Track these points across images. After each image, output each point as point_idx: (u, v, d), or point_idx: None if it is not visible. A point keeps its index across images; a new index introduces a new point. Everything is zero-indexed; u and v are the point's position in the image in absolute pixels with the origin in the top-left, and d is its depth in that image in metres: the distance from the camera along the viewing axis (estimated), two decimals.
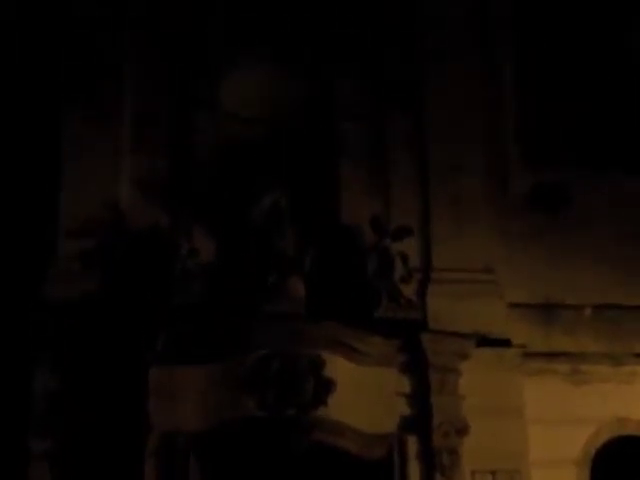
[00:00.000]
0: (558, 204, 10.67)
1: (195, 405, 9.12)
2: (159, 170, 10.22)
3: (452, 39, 10.76)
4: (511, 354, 9.78)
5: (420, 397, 9.45)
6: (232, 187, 10.18)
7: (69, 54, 10.53)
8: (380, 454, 9.42)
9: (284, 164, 10.14)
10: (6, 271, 10.09)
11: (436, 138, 10.53)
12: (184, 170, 10.24)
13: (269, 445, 9.05)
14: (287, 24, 10.79)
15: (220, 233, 9.98)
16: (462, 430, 9.35)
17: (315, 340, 9.23)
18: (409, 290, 9.84)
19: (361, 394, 9.33)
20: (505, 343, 9.80)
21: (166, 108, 10.45)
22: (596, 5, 11.63)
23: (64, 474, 9.16)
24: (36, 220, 10.23)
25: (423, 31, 10.83)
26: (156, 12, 10.71)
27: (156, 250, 9.58)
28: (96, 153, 10.14)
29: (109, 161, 10.17)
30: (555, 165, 10.91)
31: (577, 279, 10.39)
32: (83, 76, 10.40)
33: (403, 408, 9.45)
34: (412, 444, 9.40)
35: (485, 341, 9.65)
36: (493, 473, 9.51)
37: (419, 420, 9.41)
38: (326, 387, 9.16)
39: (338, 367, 9.27)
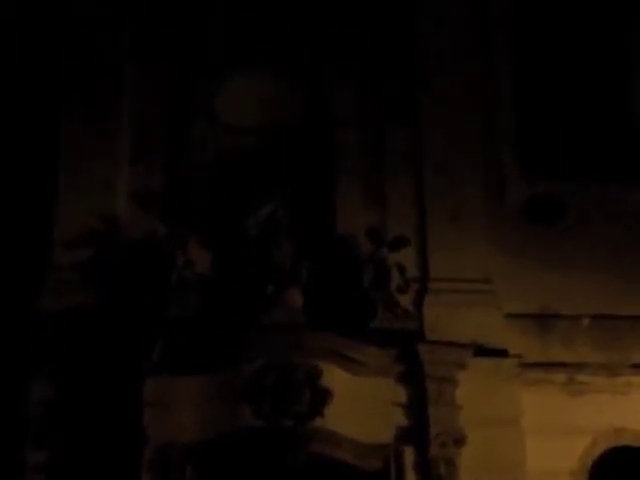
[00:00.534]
0: (555, 215, 10.69)
1: (191, 416, 9.10)
2: (156, 181, 10.24)
3: (451, 53, 10.81)
4: (508, 364, 9.77)
5: (417, 407, 9.43)
6: (229, 198, 10.18)
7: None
8: (377, 465, 9.39)
9: (281, 175, 10.15)
10: (2, 282, 10.07)
11: (433, 150, 10.55)
12: (181, 181, 10.26)
13: (266, 456, 9.02)
14: (286, 35, 10.82)
15: (217, 244, 9.97)
16: (459, 440, 9.33)
17: (312, 350, 9.22)
18: (406, 300, 9.85)
19: (358, 404, 9.31)
20: (502, 353, 9.79)
21: (164, 119, 10.49)
22: (595, 14, 11.65)
23: None
24: (32, 231, 10.22)
25: (422, 45, 10.87)
26: (155, 25, 10.73)
27: (152, 261, 9.58)
28: (93, 164, 10.16)
29: (106, 172, 10.18)
30: (551, 176, 10.92)
31: (574, 289, 10.39)
32: (82, 84, 10.45)
33: (400, 418, 9.43)
34: (409, 454, 9.36)
35: (482, 351, 9.64)
36: None
37: (416, 430, 9.39)
38: (323, 397, 9.14)
39: (335, 377, 9.26)
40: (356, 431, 9.24)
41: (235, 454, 9.14)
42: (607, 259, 10.55)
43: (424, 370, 9.43)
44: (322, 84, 10.77)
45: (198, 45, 10.68)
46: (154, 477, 9.00)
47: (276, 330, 9.23)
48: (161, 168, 10.33)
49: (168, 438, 9.06)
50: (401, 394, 9.47)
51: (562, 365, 10.14)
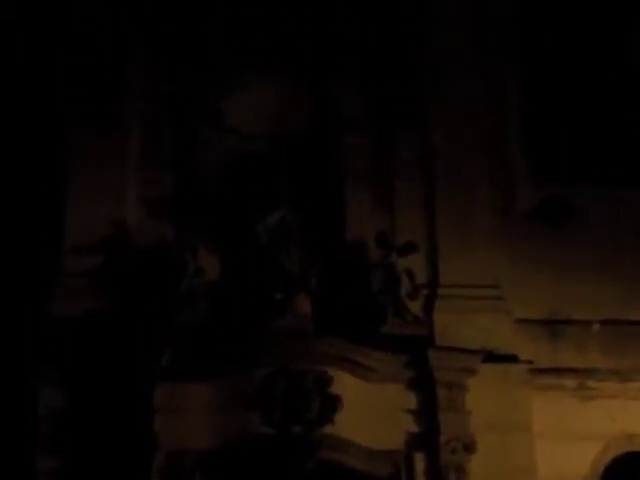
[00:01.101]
0: (565, 220, 10.65)
1: (201, 423, 9.09)
2: (165, 187, 10.24)
3: (457, 57, 10.78)
4: (518, 370, 9.74)
5: (427, 413, 9.41)
6: (238, 204, 10.17)
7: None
8: (387, 471, 9.38)
9: (290, 181, 10.14)
10: (12, 288, 10.09)
11: (442, 155, 10.52)
12: (190, 187, 10.25)
13: (276, 463, 9.00)
14: (294, 39, 10.81)
15: (226, 250, 9.97)
16: (469, 446, 9.31)
17: (321, 357, 9.20)
18: (415, 306, 9.83)
19: (368, 411, 9.30)
20: (512, 359, 9.76)
21: (172, 125, 10.49)
22: (598, 14, 11.62)
23: None
24: (42, 237, 10.22)
25: (429, 50, 10.83)
26: (159, 37, 10.73)
27: (162, 267, 9.57)
28: (102, 170, 10.15)
29: (115, 178, 10.17)
30: (562, 181, 10.89)
31: (584, 294, 10.35)
32: (88, 91, 10.47)
33: (410, 425, 9.42)
34: (419, 461, 9.35)
35: (492, 357, 9.62)
36: None
37: (426, 437, 9.37)
38: (333, 404, 9.12)
39: (345, 384, 9.24)
40: (366, 438, 9.23)
41: (245, 461, 9.12)
42: (618, 264, 10.51)
43: (434, 376, 9.42)
44: (331, 89, 10.77)
45: (205, 51, 10.67)
46: None
47: (285, 337, 9.20)
48: (170, 174, 10.32)
49: (178, 444, 9.05)
50: (411, 400, 9.46)
51: (573, 370, 10.11)
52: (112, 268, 9.80)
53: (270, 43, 10.75)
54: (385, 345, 9.45)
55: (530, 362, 9.80)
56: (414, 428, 9.41)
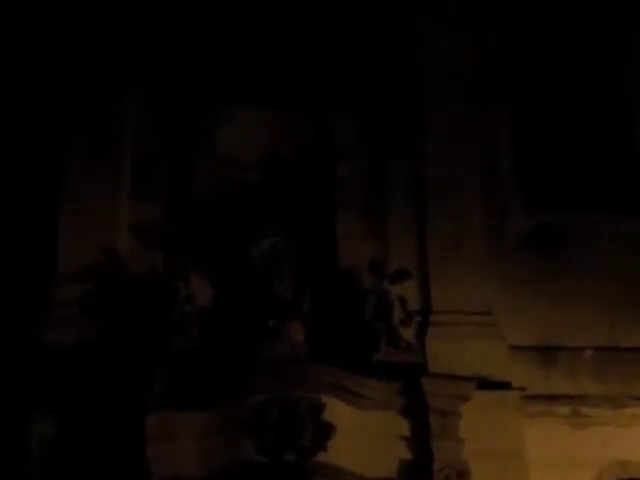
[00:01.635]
0: (557, 246, 10.68)
1: (194, 450, 9.02)
2: (157, 215, 10.24)
3: (451, 87, 10.85)
4: (511, 397, 9.71)
5: (420, 441, 9.36)
6: (230, 232, 10.17)
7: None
8: None
9: (283, 207, 10.16)
10: (3, 316, 10.03)
11: (434, 182, 10.57)
12: (182, 214, 10.26)
13: None
14: (284, 69, 10.87)
15: (218, 277, 9.96)
16: (463, 474, 9.25)
17: (314, 384, 9.16)
18: (408, 333, 9.81)
19: (361, 438, 9.24)
20: (505, 386, 9.74)
21: (165, 153, 10.51)
22: (594, 42, 11.72)
23: None
24: (33, 265, 10.19)
25: (423, 79, 10.91)
26: (155, 63, 10.78)
27: (154, 295, 9.55)
28: (94, 198, 10.16)
29: (107, 206, 10.18)
30: (554, 207, 10.93)
31: (577, 321, 10.36)
32: (82, 115, 10.48)
33: (403, 452, 9.35)
34: None
35: (485, 384, 9.61)
36: None
37: (420, 464, 9.30)
38: (326, 432, 9.08)
39: (338, 411, 9.20)
40: (359, 465, 9.16)
41: None
42: (610, 290, 10.52)
43: (427, 403, 9.38)
44: (323, 117, 10.80)
45: (196, 91, 10.71)
46: None
47: (278, 364, 9.18)
48: (162, 201, 10.33)
49: (171, 472, 8.97)
50: (404, 427, 9.40)
51: (566, 397, 10.09)
52: (104, 296, 9.77)
53: (262, 72, 10.81)
54: (378, 372, 9.43)
55: (523, 389, 9.78)
56: (407, 455, 9.34)
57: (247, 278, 9.74)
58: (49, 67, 10.87)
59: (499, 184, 10.96)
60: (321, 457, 9.05)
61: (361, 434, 9.25)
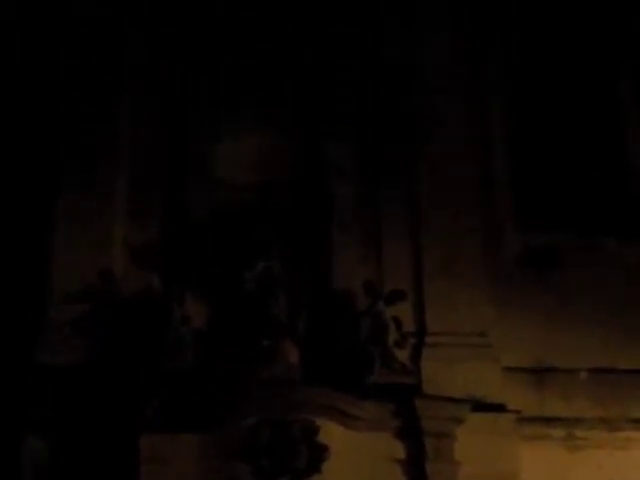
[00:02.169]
0: (551, 267, 10.67)
1: (188, 473, 8.97)
2: (152, 236, 10.23)
3: (444, 110, 10.85)
4: (506, 419, 9.66)
5: (415, 463, 9.32)
6: (225, 252, 10.17)
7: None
8: None
9: (278, 228, 10.16)
10: None
11: (429, 203, 10.56)
12: (177, 236, 10.26)
13: None
14: (279, 89, 10.89)
15: (213, 298, 9.94)
16: None
17: (309, 406, 9.13)
18: (403, 354, 9.80)
19: (355, 460, 9.21)
20: (500, 408, 9.71)
21: (160, 174, 10.51)
22: (591, 64, 11.74)
23: None
24: (28, 285, 10.17)
25: (419, 101, 10.91)
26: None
27: (148, 316, 9.53)
28: (89, 219, 10.15)
29: (102, 227, 10.17)
30: (548, 229, 10.92)
31: (571, 342, 10.33)
32: (79, 137, 10.46)
33: (398, 474, 9.31)
34: None
35: (480, 406, 9.58)
36: None
37: None
38: (320, 454, 9.04)
39: (332, 433, 9.17)
40: None
41: None
42: (605, 312, 10.49)
43: (421, 425, 9.35)
44: (319, 138, 10.81)
45: (190, 112, 10.73)
46: None
47: (272, 386, 9.16)
48: (157, 223, 10.32)
49: None
50: (399, 450, 9.38)
51: (560, 420, 10.04)
52: (98, 317, 9.75)
53: (257, 92, 10.83)
54: (372, 394, 9.40)
55: (518, 411, 9.74)
56: (402, 478, 9.29)
57: (242, 300, 9.72)
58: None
59: (494, 205, 10.94)
60: (316, 479, 9.02)
61: (356, 456, 9.22)
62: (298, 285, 9.85)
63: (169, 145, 10.64)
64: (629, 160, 11.51)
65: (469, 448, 9.36)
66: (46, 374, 9.33)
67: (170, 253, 10.14)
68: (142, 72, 10.83)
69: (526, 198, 11.13)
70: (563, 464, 9.92)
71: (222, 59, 11.02)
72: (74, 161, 10.46)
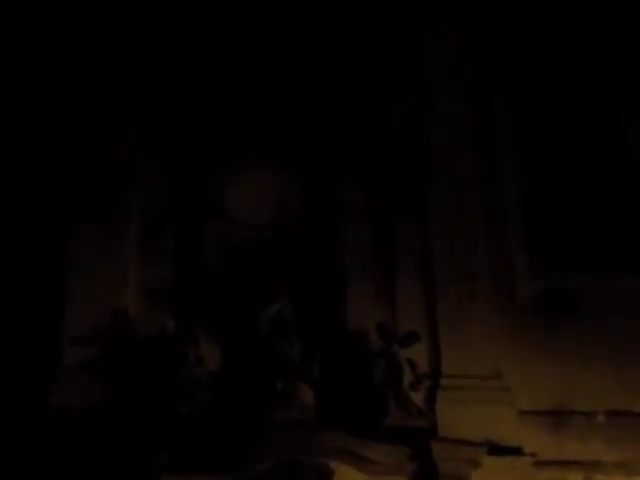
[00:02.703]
0: (568, 308, 10.60)
1: None
2: (165, 277, 10.23)
3: (456, 151, 10.86)
4: (522, 463, 9.56)
5: None
6: (238, 294, 10.16)
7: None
8: None
9: (291, 269, 10.16)
10: (10, 380, 9.97)
11: (442, 245, 10.51)
12: (190, 277, 10.26)
13: None
14: (293, 130, 10.93)
15: (227, 340, 9.90)
16: None
17: (323, 450, 9.09)
18: (418, 397, 9.74)
19: None
20: (516, 451, 9.62)
21: (172, 216, 10.54)
22: (597, 115, 11.73)
23: None
24: (40, 327, 10.15)
25: (428, 144, 10.91)
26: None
27: (162, 358, 9.50)
28: (102, 260, 10.15)
29: (115, 268, 10.16)
30: (563, 270, 10.84)
31: (588, 385, 10.23)
32: (88, 176, 10.43)
33: None
34: None
35: (496, 449, 9.50)
36: None
37: None
38: None
39: (347, 477, 9.12)
40: None
41: None
42: (621, 354, 10.38)
43: (438, 469, 9.29)
44: (333, 180, 10.83)
45: (201, 155, 10.77)
46: None
47: (287, 428, 9.11)
48: (171, 264, 10.34)
49: None
50: None
51: (577, 463, 9.94)
52: (112, 359, 9.71)
53: (273, 133, 10.87)
54: (387, 437, 9.34)
55: (534, 455, 9.64)
56: None
57: (255, 342, 9.69)
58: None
59: (506, 249, 10.85)
60: None
61: None
62: (312, 327, 9.83)
63: (181, 185, 10.70)
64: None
65: None
66: (59, 417, 9.28)
67: (184, 294, 10.14)
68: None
69: (541, 239, 11.00)
70: None
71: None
72: (84, 205, 10.43)
